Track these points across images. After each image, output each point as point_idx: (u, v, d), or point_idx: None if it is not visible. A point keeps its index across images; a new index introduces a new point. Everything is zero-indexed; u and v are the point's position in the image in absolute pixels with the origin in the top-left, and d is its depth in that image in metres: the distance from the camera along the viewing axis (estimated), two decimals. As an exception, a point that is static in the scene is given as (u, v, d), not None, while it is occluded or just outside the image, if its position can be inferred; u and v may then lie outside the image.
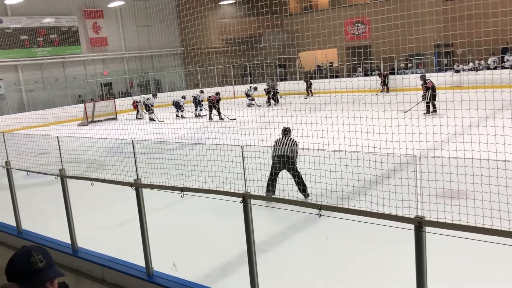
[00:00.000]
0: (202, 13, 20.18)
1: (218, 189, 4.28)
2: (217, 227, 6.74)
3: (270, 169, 7.21)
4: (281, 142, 7.43)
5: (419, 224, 3.28)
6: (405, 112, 11.35)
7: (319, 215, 3.63)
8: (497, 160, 3.34)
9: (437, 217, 3.27)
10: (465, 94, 4.40)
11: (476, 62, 22.04)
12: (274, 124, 7.43)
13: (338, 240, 5.86)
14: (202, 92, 21.34)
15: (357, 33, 28.23)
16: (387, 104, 5.69)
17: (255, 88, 23.82)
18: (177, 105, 20.76)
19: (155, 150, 6.86)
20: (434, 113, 14.70)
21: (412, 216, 3.32)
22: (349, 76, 24.17)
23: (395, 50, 21.27)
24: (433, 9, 20.77)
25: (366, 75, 25.45)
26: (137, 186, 4.93)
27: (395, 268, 5.00)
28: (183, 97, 21.18)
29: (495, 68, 21.20)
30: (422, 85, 15.20)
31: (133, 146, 4.91)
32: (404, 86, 21.26)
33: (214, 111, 19.34)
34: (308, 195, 6.82)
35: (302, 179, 6.61)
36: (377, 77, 23.69)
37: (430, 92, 14.86)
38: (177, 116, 20.85)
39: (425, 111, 14.76)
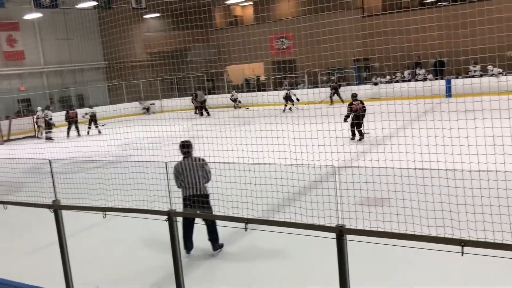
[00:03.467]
0: (125, 26, 19.75)
1: (142, 207, 4.18)
2: (142, 247, 6.54)
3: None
4: (187, 172, 5.58)
5: (340, 233, 3.40)
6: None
7: (246, 229, 3.65)
8: (408, 168, 3.56)
9: (356, 225, 3.42)
10: (384, 106, 4.65)
11: (393, 74, 23.47)
12: (200, 139, 7.39)
13: (266, 252, 5.92)
14: (48, 108, 20.97)
15: (282, 47, 29.01)
16: (312, 117, 5.87)
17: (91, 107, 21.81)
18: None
19: (75, 169, 6.56)
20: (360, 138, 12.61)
21: (333, 225, 3.44)
22: (275, 90, 24.73)
23: (318, 64, 22.14)
24: (352, 25, 21.94)
25: (292, 89, 26.15)
26: (56, 208, 4.68)
27: (320, 277, 5.13)
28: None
29: (409, 80, 22.68)
30: (348, 106, 13.11)
31: (50, 166, 4.67)
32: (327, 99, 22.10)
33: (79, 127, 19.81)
34: (221, 247, 5.91)
35: (215, 224, 5.57)
36: (329, 88, 23.37)
37: (352, 116, 12.71)
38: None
39: (350, 136, 12.72)
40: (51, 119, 20.41)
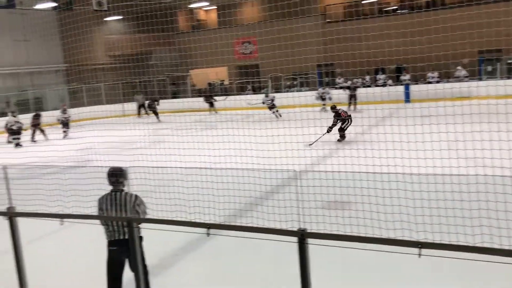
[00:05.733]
0: (86, 28, 19.32)
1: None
2: (102, 255, 6.37)
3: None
4: (111, 210, 4.37)
5: (302, 237, 3.43)
6: (310, 145, 10.60)
7: (208, 234, 3.62)
8: (368, 172, 3.64)
9: (318, 229, 3.46)
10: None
11: (355, 80, 23.92)
12: (163, 144, 7.29)
13: (230, 258, 5.89)
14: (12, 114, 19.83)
15: (245, 52, 29.10)
16: (274, 122, 5.89)
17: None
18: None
19: (31, 175, 6.33)
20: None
21: (295, 229, 3.46)
22: (239, 94, 24.76)
23: (281, 69, 22.37)
24: (314, 31, 22.29)
25: (255, 93, 26.24)
26: (11, 215, 4.50)
27: (284, 281, 5.15)
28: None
29: (369, 86, 23.19)
30: (334, 116, 13.07)
31: (5, 172, 4.49)
32: (289, 103, 22.29)
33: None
34: None
35: (147, 275, 4.47)
36: (346, 90, 21.43)
37: (348, 122, 12.90)
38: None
39: (340, 139, 12.97)
40: (13, 125, 18.89)
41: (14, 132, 18.70)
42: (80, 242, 6.57)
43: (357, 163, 3.80)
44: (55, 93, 28.43)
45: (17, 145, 18.44)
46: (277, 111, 19.43)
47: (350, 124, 12.94)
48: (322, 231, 3.41)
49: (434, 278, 4.74)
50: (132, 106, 26.49)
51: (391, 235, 3.33)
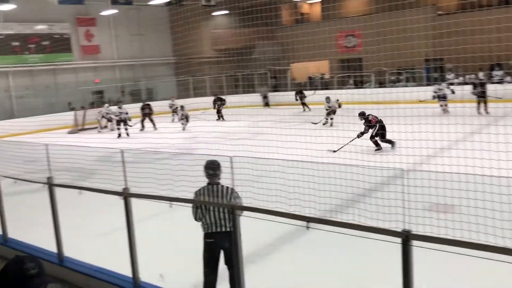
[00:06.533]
0: (195, 23, 20.27)
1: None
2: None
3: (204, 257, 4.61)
4: (212, 200, 4.45)
5: (406, 238, 3.29)
6: (334, 151, 9.36)
7: (307, 228, 3.63)
8: (483, 175, 3.38)
9: (424, 231, 3.29)
10: (459, 109, 4.45)
11: (467, 76, 22.20)
12: (264, 135, 7.41)
13: (326, 253, 5.86)
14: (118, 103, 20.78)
15: (349, 45, 28.47)
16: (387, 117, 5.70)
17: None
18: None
19: (144, 159, 6.83)
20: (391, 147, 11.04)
21: (399, 230, 3.33)
22: (339, 88, 24.31)
23: (386, 64, 21.53)
24: (425, 24, 21.10)
25: (357, 87, 25.60)
26: (126, 195, 4.90)
27: (382, 282, 5.00)
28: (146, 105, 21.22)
29: (485, 83, 21.32)
30: (364, 123, 11.77)
31: (122, 156, 4.89)
32: (394, 99, 21.33)
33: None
34: None
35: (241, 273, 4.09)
36: (472, 86, 18.65)
37: (377, 128, 11.57)
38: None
39: (376, 147, 11.44)
40: (117, 115, 19.80)
41: (120, 122, 19.58)
42: (186, 224, 6.96)
43: (472, 164, 3.55)
44: (165, 85, 30.28)
45: (119, 135, 19.10)
46: (329, 120, 17.01)
47: (376, 131, 11.28)
48: (428, 234, 3.25)
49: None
50: (235, 98, 27.27)
51: (508, 244, 3.07)
